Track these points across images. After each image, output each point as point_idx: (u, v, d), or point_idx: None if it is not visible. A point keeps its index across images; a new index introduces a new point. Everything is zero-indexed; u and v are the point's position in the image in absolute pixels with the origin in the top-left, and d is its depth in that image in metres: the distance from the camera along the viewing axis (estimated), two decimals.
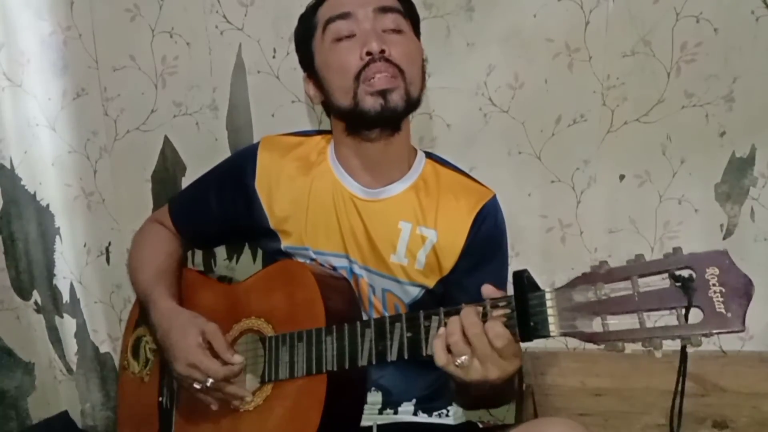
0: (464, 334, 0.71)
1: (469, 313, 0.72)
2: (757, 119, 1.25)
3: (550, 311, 0.69)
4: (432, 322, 0.78)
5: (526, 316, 0.70)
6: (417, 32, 0.98)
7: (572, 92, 1.27)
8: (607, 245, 1.36)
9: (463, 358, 0.71)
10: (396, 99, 0.89)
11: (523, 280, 0.71)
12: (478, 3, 1.24)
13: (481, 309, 0.73)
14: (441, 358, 0.73)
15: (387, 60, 0.88)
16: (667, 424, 1.13)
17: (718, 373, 1.24)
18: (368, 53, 0.88)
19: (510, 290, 0.74)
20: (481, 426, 1.06)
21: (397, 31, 0.92)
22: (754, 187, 1.29)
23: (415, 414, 1.02)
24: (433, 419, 1.04)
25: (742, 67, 1.22)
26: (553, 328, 0.69)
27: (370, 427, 0.97)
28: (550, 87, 1.27)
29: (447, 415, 1.05)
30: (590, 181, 1.32)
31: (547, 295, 0.70)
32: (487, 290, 0.75)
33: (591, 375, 1.27)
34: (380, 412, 1.01)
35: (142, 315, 1.10)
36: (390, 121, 0.91)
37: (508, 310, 0.72)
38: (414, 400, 1.02)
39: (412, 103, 0.92)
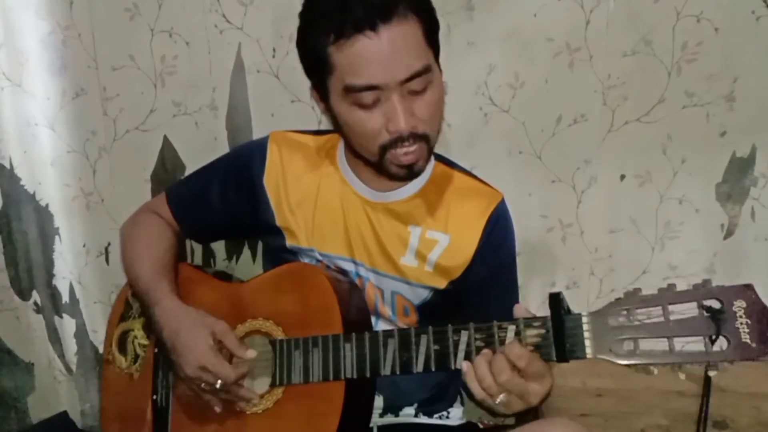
0: (495, 380, 0.73)
1: (498, 359, 0.74)
2: (757, 119, 1.25)
3: (586, 334, 0.73)
4: (461, 336, 0.79)
5: (562, 337, 0.73)
6: (436, 44, 0.90)
7: (573, 92, 1.27)
8: (608, 245, 1.36)
9: (502, 396, 0.74)
10: (421, 166, 0.88)
11: (560, 302, 0.74)
12: (478, 3, 1.24)
13: (514, 328, 0.76)
14: (479, 394, 0.75)
15: (415, 135, 0.84)
16: (669, 424, 1.13)
17: (719, 374, 1.23)
18: (396, 131, 0.83)
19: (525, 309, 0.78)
20: (481, 426, 1.06)
21: (424, 89, 0.84)
22: (754, 187, 1.29)
23: (416, 416, 1.02)
24: (434, 421, 1.03)
25: (742, 66, 1.22)
26: (589, 350, 0.72)
27: (371, 429, 0.97)
28: (550, 87, 1.27)
29: (447, 417, 1.05)
30: (591, 180, 1.32)
31: (584, 319, 0.73)
32: (519, 310, 0.77)
33: (591, 375, 1.27)
34: (381, 416, 1.00)
35: (127, 308, 1.08)
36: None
37: (542, 331, 0.75)
38: (416, 404, 1.02)
39: (433, 149, 0.92)
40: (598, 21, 1.22)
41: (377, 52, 0.78)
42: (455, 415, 1.06)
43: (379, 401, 0.99)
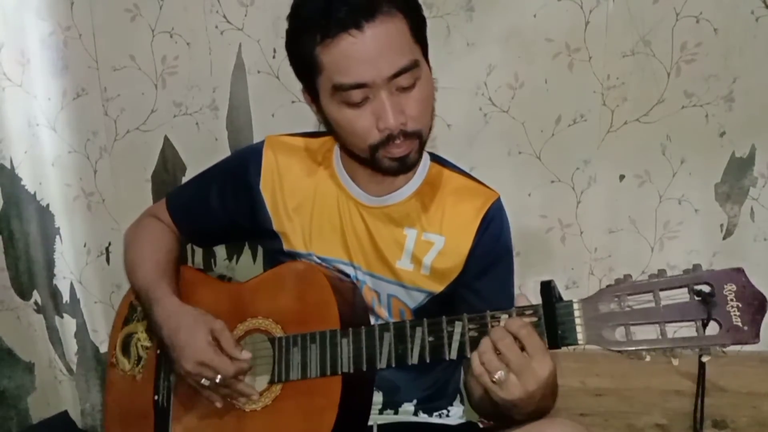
0: (496, 349, 0.73)
1: (498, 330, 0.74)
2: (757, 119, 1.26)
3: (577, 320, 0.73)
4: (455, 327, 0.79)
5: (553, 324, 0.74)
6: (424, 41, 0.89)
7: (572, 92, 1.27)
8: (607, 245, 1.36)
9: (500, 373, 0.72)
10: (413, 158, 0.88)
11: (551, 290, 0.74)
12: (478, 3, 1.24)
13: (506, 317, 0.76)
14: (478, 368, 0.74)
15: (405, 133, 0.84)
16: (668, 424, 1.13)
17: (718, 373, 1.24)
18: (385, 128, 0.83)
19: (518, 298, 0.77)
20: (481, 426, 1.06)
21: (413, 85, 0.83)
22: (753, 187, 1.30)
23: (415, 414, 1.02)
24: (434, 419, 1.04)
25: (742, 67, 1.23)
26: (580, 336, 0.72)
27: (371, 427, 0.97)
28: (550, 87, 1.27)
29: (447, 415, 1.05)
30: (590, 181, 1.32)
31: (575, 305, 0.73)
32: (521, 300, 0.77)
33: (591, 375, 1.27)
34: (381, 412, 1.00)
35: (131, 311, 1.09)
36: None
37: (534, 318, 0.75)
38: (415, 401, 1.02)
39: (425, 144, 0.91)
40: (597, 22, 1.22)
41: (363, 50, 0.79)
42: (455, 413, 1.06)
43: (378, 397, 0.99)
